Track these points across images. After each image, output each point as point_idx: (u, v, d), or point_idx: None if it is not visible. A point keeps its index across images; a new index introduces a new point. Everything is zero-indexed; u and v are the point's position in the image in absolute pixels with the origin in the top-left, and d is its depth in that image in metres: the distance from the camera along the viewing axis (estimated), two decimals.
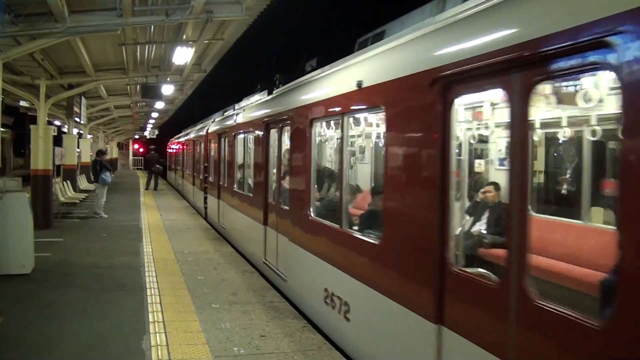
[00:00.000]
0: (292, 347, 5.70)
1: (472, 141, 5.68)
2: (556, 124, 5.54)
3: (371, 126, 7.83)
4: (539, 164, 6.56)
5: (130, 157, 61.00)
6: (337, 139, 6.65)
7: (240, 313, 6.80)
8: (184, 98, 25.19)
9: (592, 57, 2.68)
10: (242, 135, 11.32)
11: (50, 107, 15.64)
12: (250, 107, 10.95)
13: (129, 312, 6.76)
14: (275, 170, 8.66)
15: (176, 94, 22.39)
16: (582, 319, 2.70)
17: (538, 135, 5.47)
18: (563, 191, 6.16)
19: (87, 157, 24.52)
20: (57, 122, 23.90)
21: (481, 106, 5.28)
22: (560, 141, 5.94)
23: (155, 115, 34.00)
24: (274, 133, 8.68)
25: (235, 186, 11.75)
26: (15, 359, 5.37)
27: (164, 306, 7.00)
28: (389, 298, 4.53)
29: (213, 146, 15.39)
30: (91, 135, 29.94)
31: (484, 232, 6.08)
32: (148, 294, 7.60)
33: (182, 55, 12.96)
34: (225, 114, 15.01)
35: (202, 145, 17.74)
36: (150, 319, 6.46)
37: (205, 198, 16.43)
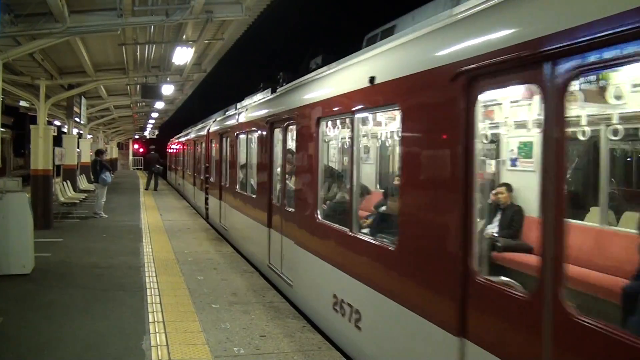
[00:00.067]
0: (292, 347, 5.69)
1: (484, 140, 5.43)
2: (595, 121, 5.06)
3: (379, 125, 7.64)
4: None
5: (130, 157, 61.00)
6: (347, 138, 6.43)
7: (240, 313, 6.80)
8: (184, 98, 25.17)
9: None
10: (244, 135, 11.08)
11: (50, 107, 15.64)
12: (253, 106, 10.70)
13: (129, 312, 6.76)
14: (279, 171, 8.39)
15: (176, 94, 22.39)
16: (625, 336, 2.45)
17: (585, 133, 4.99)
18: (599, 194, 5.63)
19: (87, 157, 24.50)
20: (57, 122, 23.89)
21: (492, 104, 5.08)
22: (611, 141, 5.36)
23: (155, 115, 34.00)
24: (278, 132, 8.45)
25: (237, 187, 11.53)
26: (15, 359, 5.36)
27: (164, 306, 7.00)
28: (405, 307, 4.26)
29: (214, 146, 15.25)
30: (91, 135, 29.94)
31: (496, 235, 6.02)
32: (148, 294, 7.60)
33: (182, 55, 12.95)
34: (226, 113, 14.81)
35: (203, 145, 17.59)
36: (150, 319, 6.46)
37: (207, 199, 16.32)
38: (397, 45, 4.90)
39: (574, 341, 2.71)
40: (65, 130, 20.95)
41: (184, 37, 12.06)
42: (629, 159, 6.33)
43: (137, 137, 57.44)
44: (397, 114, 6.55)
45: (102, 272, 8.89)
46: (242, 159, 11.41)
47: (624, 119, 4.79)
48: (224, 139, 13.43)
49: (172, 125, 41.84)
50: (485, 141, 5.27)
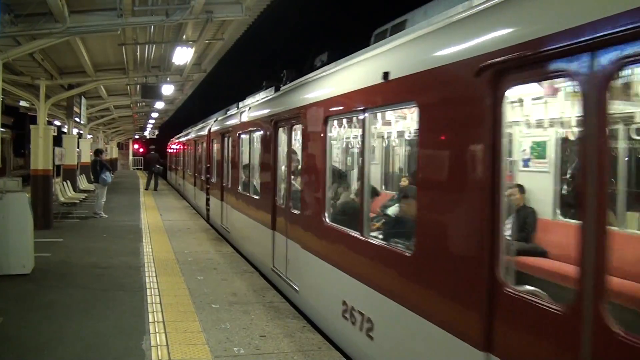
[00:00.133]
0: (292, 347, 5.69)
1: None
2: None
3: (387, 125, 7.45)
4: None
5: (130, 157, 61.02)
6: (358, 136, 6.16)
7: (240, 313, 6.80)
8: (184, 98, 25.18)
9: None
10: (247, 135, 10.81)
11: (50, 107, 15.65)
12: (257, 105, 10.44)
13: (129, 312, 6.76)
14: (284, 172, 8.14)
15: (176, 94, 22.39)
16: None
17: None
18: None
19: (87, 157, 24.50)
20: (57, 122, 23.91)
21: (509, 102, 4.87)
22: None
23: (155, 115, 34.00)
24: (283, 132, 8.21)
25: (240, 188, 11.29)
26: (15, 359, 5.37)
27: (164, 306, 7.00)
28: (422, 317, 3.97)
29: (216, 146, 15.09)
30: (91, 135, 29.94)
31: (509, 237, 5.87)
32: (148, 294, 7.60)
33: (182, 55, 12.95)
34: (228, 112, 14.60)
35: (204, 145, 17.40)
36: (150, 319, 6.46)
37: (208, 199, 16.14)
38: (414, 38, 4.60)
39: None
40: (65, 130, 20.97)
41: (184, 37, 12.06)
42: None
43: (137, 137, 57.46)
44: (406, 112, 6.44)
45: (102, 272, 8.89)
46: (244, 159, 11.16)
47: None
48: (226, 139, 13.24)
49: (172, 125, 41.91)
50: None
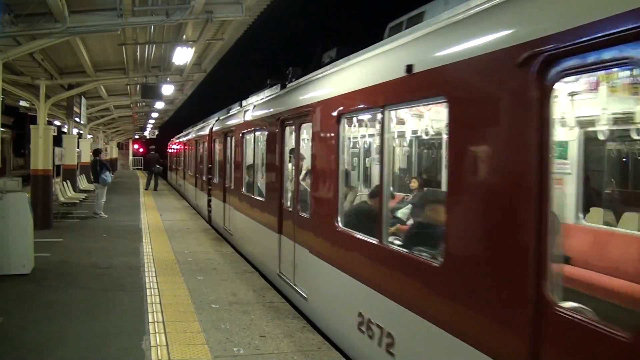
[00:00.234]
0: (292, 347, 5.69)
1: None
2: None
3: (400, 124, 7.15)
4: None
5: (130, 157, 61.06)
6: (376, 135, 5.76)
7: (240, 313, 6.80)
8: (184, 98, 25.19)
9: None
10: (251, 134, 10.45)
11: (50, 107, 15.64)
12: (261, 104, 10.01)
13: (129, 312, 6.76)
14: (291, 172, 7.73)
15: (176, 94, 22.39)
16: None
17: None
18: None
19: (86, 157, 24.49)
20: (57, 122, 23.91)
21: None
22: None
23: (155, 115, 34.01)
24: (290, 130, 7.82)
25: (244, 189, 10.86)
26: (15, 359, 5.37)
27: (164, 306, 7.00)
28: (453, 335, 3.58)
29: (218, 146, 14.81)
30: (91, 135, 29.94)
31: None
32: (148, 294, 7.60)
33: (182, 55, 12.95)
34: (230, 111, 14.25)
35: (205, 145, 17.06)
36: (150, 319, 6.46)
37: (209, 201, 15.84)
38: (442, 27, 4.19)
39: None
40: (65, 130, 20.97)
41: (184, 37, 12.06)
42: None
43: (137, 137, 57.49)
44: (423, 110, 6.25)
45: (102, 272, 8.90)
46: (248, 159, 10.80)
47: None
48: (229, 138, 12.88)
49: (172, 125, 41.91)
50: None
